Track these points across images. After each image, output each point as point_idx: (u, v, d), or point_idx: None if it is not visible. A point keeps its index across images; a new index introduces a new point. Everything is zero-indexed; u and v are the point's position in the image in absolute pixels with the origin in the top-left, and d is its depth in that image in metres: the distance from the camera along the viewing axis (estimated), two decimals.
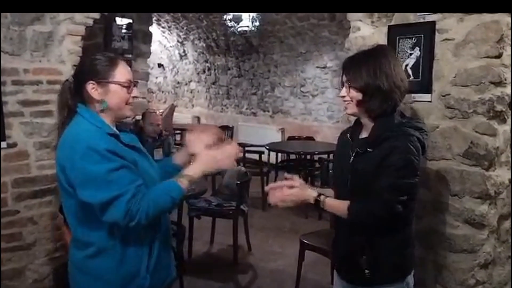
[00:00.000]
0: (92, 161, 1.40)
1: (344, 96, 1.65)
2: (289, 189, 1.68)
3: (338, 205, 1.63)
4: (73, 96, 1.54)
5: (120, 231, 1.50)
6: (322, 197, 1.65)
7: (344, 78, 1.65)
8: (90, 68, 1.53)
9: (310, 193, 1.67)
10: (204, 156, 1.61)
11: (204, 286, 3.38)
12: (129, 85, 1.54)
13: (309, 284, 3.35)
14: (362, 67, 1.59)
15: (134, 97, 1.58)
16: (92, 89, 1.51)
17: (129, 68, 1.59)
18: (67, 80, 1.59)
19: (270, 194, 1.69)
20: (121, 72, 1.54)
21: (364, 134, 1.69)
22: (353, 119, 1.83)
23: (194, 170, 1.57)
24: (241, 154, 1.67)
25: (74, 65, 2.76)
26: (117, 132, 1.54)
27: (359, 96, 1.60)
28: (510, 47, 1.98)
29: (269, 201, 1.69)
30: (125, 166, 1.45)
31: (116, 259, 1.52)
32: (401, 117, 1.65)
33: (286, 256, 3.89)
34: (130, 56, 4.71)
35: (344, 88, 1.65)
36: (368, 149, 1.60)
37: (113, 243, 1.51)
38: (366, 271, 1.62)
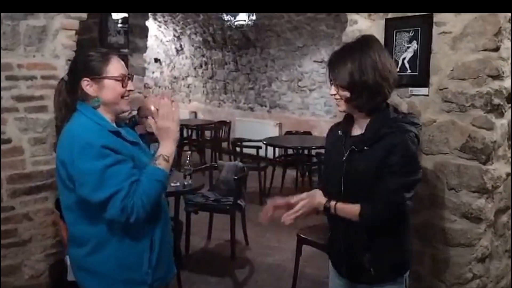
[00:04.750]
0: (89, 157, 1.41)
1: (334, 94, 1.60)
2: (299, 202, 1.64)
3: (349, 209, 1.57)
4: (70, 93, 1.56)
5: (118, 225, 1.49)
6: (332, 202, 1.60)
7: (331, 76, 1.60)
8: (83, 65, 1.54)
9: (320, 199, 1.63)
10: (160, 130, 1.55)
11: (202, 281, 3.38)
12: (123, 79, 1.54)
13: (307, 278, 3.35)
14: (346, 64, 1.53)
15: (129, 90, 1.58)
16: (87, 85, 1.52)
17: (122, 63, 1.59)
18: (62, 78, 1.60)
19: (282, 215, 1.65)
20: (115, 67, 1.54)
21: (357, 130, 1.64)
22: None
23: (164, 149, 1.54)
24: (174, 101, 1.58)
25: (69, 60, 2.73)
26: (118, 129, 1.55)
27: (347, 94, 1.55)
28: (507, 40, 1.97)
29: (284, 221, 1.64)
30: (121, 161, 1.45)
31: (115, 254, 1.52)
32: (395, 112, 1.61)
33: (283, 251, 3.89)
34: (126, 51, 4.68)
35: (332, 86, 1.60)
36: (365, 147, 1.55)
37: (111, 238, 1.51)
38: (370, 269, 1.59)
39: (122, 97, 1.56)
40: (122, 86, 1.55)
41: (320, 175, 4.98)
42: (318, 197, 1.64)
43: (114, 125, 1.58)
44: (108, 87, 1.53)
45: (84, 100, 1.54)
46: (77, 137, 1.45)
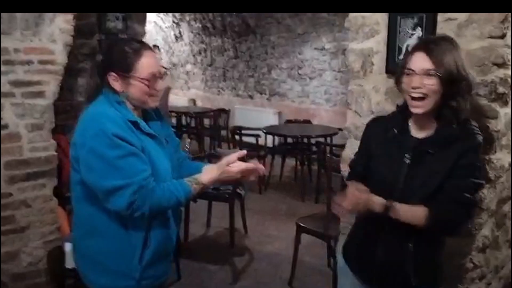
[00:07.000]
0: (101, 144, 1.39)
1: (432, 85, 1.45)
2: (359, 193, 1.50)
3: (414, 211, 1.48)
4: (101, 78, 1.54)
5: (114, 213, 1.47)
6: (394, 203, 1.49)
7: (427, 64, 1.45)
8: (113, 58, 1.49)
9: (378, 199, 1.50)
10: (223, 167, 1.54)
11: (201, 269, 3.39)
12: (149, 80, 1.48)
13: (305, 266, 3.36)
14: (452, 55, 1.46)
15: (157, 90, 1.52)
16: (113, 80, 1.48)
17: (155, 59, 1.52)
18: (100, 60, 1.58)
19: (340, 200, 1.52)
20: (147, 65, 1.48)
21: (418, 132, 1.56)
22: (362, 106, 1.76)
23: (208, 179, 1.54)
24: (262, 173, 1.61)
25: (67, 45, 2.69)
26: (137, 119, 1.50)
27: (441, 88, 1.46)
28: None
29: (339, 208, 1.51)
30: (133, 153, 1.42)
31: (108, 241, 1.50)
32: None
33: (282, 239, 3.89)
34: (124, 36, 4.62)
35: (425, 77, 1.46)
36: (436, 150, 1.50)
37: (106, 224, 1.49)
38: (411, 279, 1.54)
39: (150, 95, 1.51)
40: (149, 86, 1.49)
41: (319, 162, 4.96)
42: (373, 195, 1.51)
43: (135, 115, 1.52)
44: (134, 85, 1.48)
45: (111, 90, 1.51)
46: (92, 122, 1.43)
